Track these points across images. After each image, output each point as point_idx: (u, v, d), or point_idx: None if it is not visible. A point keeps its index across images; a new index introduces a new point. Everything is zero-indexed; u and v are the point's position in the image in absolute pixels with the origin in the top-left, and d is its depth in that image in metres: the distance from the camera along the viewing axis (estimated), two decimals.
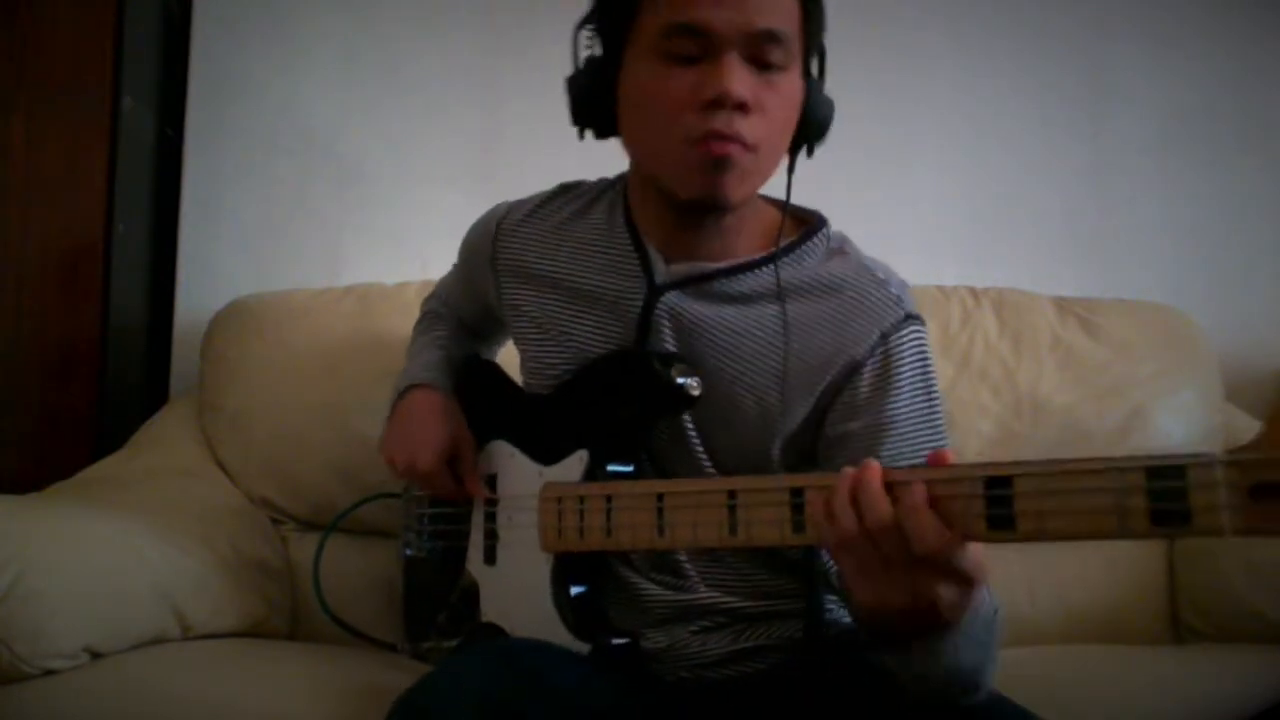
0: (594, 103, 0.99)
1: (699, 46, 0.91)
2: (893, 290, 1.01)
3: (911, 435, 0.96)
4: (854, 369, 0.98)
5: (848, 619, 1.07)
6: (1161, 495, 0.62)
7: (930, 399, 0.98)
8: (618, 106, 0.98)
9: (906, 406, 0.97)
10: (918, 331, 1.00)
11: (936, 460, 0.75)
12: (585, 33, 1.00)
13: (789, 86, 0.95)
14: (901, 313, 0.99)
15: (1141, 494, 0.64)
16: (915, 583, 0.74)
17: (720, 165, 0.92)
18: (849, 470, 0.77)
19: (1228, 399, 1.68)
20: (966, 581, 0.74)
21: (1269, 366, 1.83)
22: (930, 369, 0.99)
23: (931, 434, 0.97)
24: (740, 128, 0.91)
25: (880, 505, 0.74)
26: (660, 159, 0.97)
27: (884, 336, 0.98)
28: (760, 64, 0.92)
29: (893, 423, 0.96)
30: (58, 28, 1.80)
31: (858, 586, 0.78)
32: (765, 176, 0.99)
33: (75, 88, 1.81)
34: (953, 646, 0.78)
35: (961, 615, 0.76)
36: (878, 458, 0.93)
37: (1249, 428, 1.64)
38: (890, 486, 0.74)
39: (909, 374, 0.98)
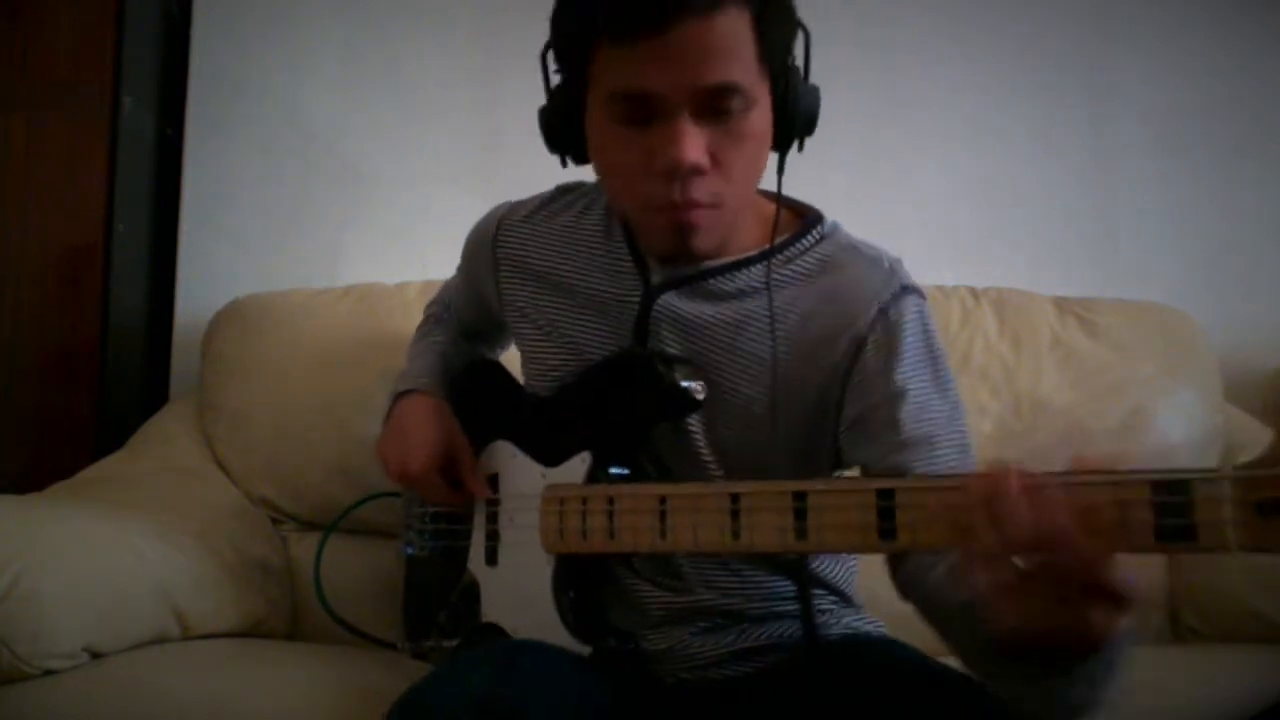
0: (563, 135, 0.98)
1: (647, 110, 0.88)
2: (884, 265, 1.00)
3: (925, 402, 0.95)
4: (858, 346, 0.97)
5: (851, 619, 1.07)
6: (1167, 510, 0.61)
7: (937, 365, 0.97)
8: (586, 140, 0.97)
9: (915, 374, 0.95)
10: (917, 302, 0.99)
11: (1077, 462, 0.67)
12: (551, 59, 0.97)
13: (753, 126, 0.91)
14: (897, 284, 0.99)
15: (1147, 508, 0.63)
16: (1066, 604, 0.65)
17: (683, 231, 0.92)
18: (974, 475, 0.69)
19: (1228, 399, 1.68)
20: (1120, 600, 0.65)
21: (1269, 366, 1.82)
22: (934, 337, 0.98)
23: (943, 401, 0.96)
24: (698, 193, 0.90)
25: (1026, 514, 0.65)
26: (628, 215, 0.97)
27: (883, 310, 0.97)
28: (716, 113, 0.88)
29: (904, 392, 0.94)
30: (58, 28, 1.80)
31: (998, 611, 0.68)
32: (740, 213, 0.97)
33: (75, 88, 1.81)
34: (1102, 671, 0.70)
35: (1112, 638, 0.68)
36: (899, 428, 0.93)
37: (1249, 428, 1.65)
38: (1031, 490, 0.66)
39: (912, 342, 0.97)
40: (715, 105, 0.88)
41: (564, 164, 1.01)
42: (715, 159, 0.90)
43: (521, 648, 0.97)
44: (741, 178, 0.93)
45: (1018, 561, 0.66)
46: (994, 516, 0.66)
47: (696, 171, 0.89)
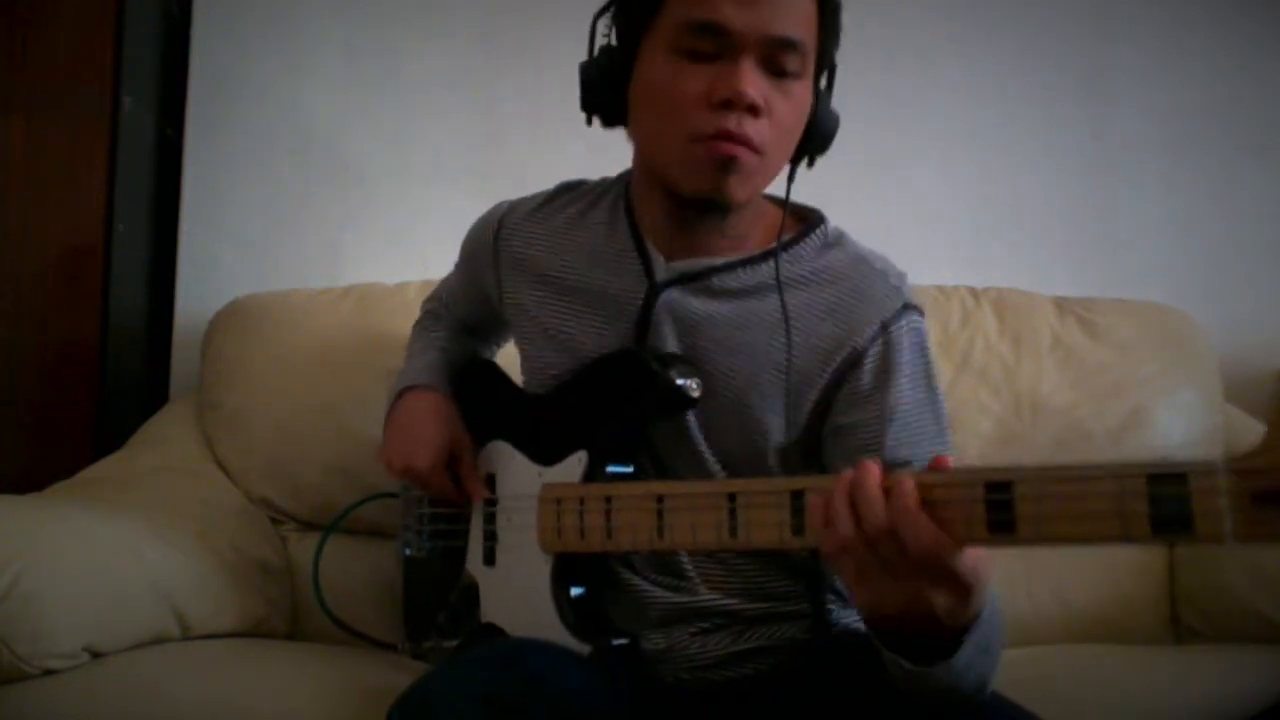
0: (605, 90, 1.00)
1: (717, 45, 0.92)
2: (891, 280, 1.01)
3: (914, 423, 0.97)
4: (856, 360, 0.98)
5: (851, 620, 1.07)
6: (1163, 501, 0.62)
7: (931, 387, 0.99)
8: (629, 96, 0.99)
9: (908, 395, 0.97)
10: (916, 321, 1.00)
11: (938, 465, 0.75)
12: (603, 23, 1.00)
13: (800, 94, 0.96)
14: (900, 302, 1.00)
15: (1143, 499, 0.63)
16: (911, 588, 0.74)
17: (726, 165, 0.93)
18: (846, 472, 0.77)
19: (1228, 399, 1.68)
20: (963, 588, 0.74)
21: (1269, 366, 1.82)
22: (930, 357, 1.00)
23: (934, 422, 0.98)
24: (749, 130, 0.92)
25: (878, 507, 0.74)
26: (667, 153, 0.97)
27: (884, 326, 0.99)
28: (774, 69, 0.93)
29: (895, 411, 0.96)
30: (58, 28, 1.80)
31: (855, 591, 0.78)
32: (768, 179, 0.99)
33: (75, 88, 1.81)
34: (962, 655, 0.77)
35: (960, 621, 0.76)
36: (882, 447, 0.94)
37: (1249, 428, 1.64)
38: (888, 489, 0.74)
39: (909, 362, 0.98)
40: (777, 61, 0.93)
41: (589, 122, 1.02)
42: (768, 105, 0.93)
43: (524, 646, 0.97)
44: (784, 134, 0.96)
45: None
46: (854, 509, 0.75)
47: (753, 110, 0.91)
